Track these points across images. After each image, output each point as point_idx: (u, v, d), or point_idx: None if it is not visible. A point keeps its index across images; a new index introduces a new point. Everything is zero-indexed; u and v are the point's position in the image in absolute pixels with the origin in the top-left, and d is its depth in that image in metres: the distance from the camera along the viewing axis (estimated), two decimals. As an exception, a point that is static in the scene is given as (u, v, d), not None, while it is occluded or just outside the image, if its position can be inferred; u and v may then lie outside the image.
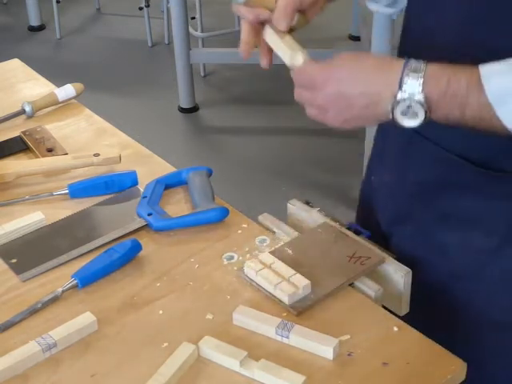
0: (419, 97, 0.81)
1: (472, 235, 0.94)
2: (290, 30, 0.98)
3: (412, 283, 0.96)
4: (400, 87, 0.82)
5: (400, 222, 1.06)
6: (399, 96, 0.82)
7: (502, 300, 0.96)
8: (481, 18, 0.85)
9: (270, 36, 0.98)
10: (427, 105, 0.82)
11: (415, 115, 0.82)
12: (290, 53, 0.94)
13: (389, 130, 1.06)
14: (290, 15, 0.95)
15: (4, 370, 0.84)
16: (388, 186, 1.08)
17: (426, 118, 0.82)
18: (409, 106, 0.82)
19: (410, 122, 0.83)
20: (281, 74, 3.52)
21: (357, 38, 3.73)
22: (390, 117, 0.84)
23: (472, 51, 0.85)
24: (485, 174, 0.91)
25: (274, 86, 3.45)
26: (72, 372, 0.85)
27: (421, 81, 0.81)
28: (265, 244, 1.05)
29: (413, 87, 0.81)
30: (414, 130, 0.94)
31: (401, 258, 0.98)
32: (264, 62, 1.00)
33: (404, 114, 0.83)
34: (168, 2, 3.53)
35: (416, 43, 0.96)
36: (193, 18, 3.51)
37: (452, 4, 0.89)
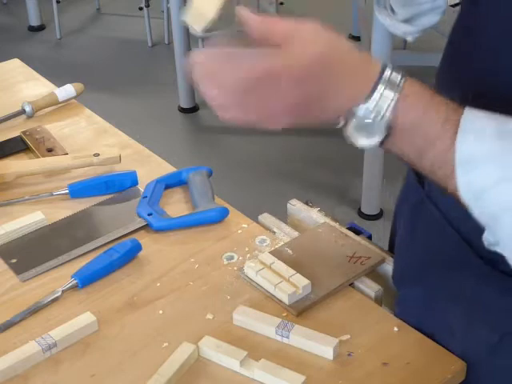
0: (386, 117, 0.68)
1: (476, 322, 0.84)
2: None
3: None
4: (367, 98, 0.68)
5: (408, 284, 0.95)
6: (360, 109, 0.68)
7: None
8: None
9: None
10: (390, 130, 0.68)
11: (371, 135, 0.69)
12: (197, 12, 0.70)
13: (409, 179, 0.95)
14: None
15: (4, 370, 0.84)
16: (400, 240, 0.98)
17: (382, 142, 0.69)
18: (367, 124, 0.68)
19: (363, 141, 0.69)
20: (281, 74, 3.52)
21: (357, 38, 3.73)
22: (339, 125, 0.70)
23: None
24: (488, 273, 0.80)
25: (274, 86, 3.44)
26: (72, 372, 0.85)
27: (395, 98, 0.67)
28: (265, 244, 1.05)
29: (382, 103, 0.68)
30: (425, 193, 0.88)
31: (406, 320, 0.91)
32: None
33: (358, 129, 0.69)
34: (168, 2, 3.53)
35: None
36: (193, 18, 3.51)
37: None
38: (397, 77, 0.68)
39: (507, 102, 0.69)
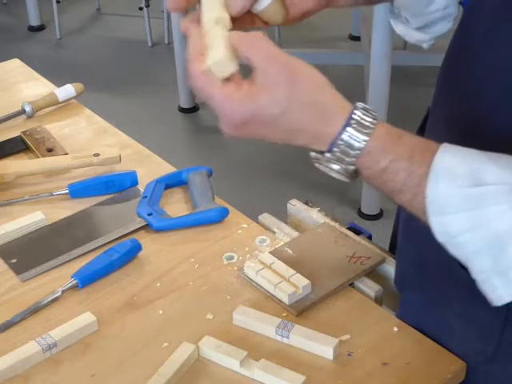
0: (350, 163, 0.70)
1: (470, 333, 0.84)
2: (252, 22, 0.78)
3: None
4: (335, 141, 0.69)
5: (408, 288, 0.95)
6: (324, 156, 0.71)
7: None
8: None
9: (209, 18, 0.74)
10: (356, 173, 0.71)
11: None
12: (223, 55, 0.69)
13: None
14: None
15: (4, 369, 0.84)
16: (399, 242, 0.97)
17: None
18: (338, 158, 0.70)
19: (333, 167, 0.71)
20: (281, 74, 3.52)
21: (357, 38, 3.73)
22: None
23: None
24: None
25: (274, 86, 3.44)
26: (72, 372, 0.85)
27: (361, 146, 0.69)
28: (265, 244, 1.05)
29: (349, 149, 0.69)
30: None
31: (409, 322, 0.91)
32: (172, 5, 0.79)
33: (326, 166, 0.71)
34: (168, 2, 3.53)
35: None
36: (193, 18, 3.51)
37: None
38: (367, 119, 0.69)
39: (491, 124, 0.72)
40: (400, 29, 0.97)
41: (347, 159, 0.69)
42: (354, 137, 0.68)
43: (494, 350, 0.81)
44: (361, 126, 0.69)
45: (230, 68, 0.68)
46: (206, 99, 0.70)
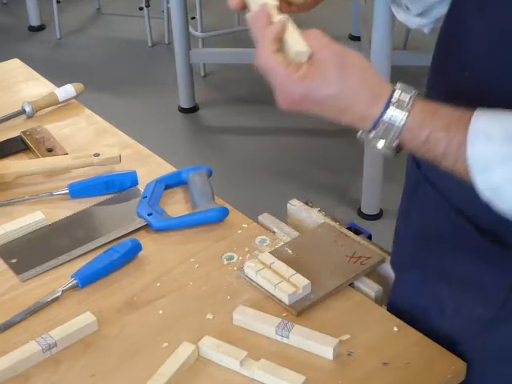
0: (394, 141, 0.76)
1: (468, 299, 0.87)
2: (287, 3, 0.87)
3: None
4: (379, 118, 0.76)
5: (404, 267, 0.98)
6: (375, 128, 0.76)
7: (499, 377, 0.89)
8: None
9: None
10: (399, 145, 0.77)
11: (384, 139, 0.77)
12: (306, 48, 0.79)
13: (408, 162, 0.99)
14: None
15: (4, 369, 0.84)
16: (397, 226, 1.02)
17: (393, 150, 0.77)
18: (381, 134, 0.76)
19: (379, 143, 0.77)
20: (281, 74, 3.51)
21: (357, 38, 3.73)
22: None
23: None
24: (489, 247, 0.83)
25: (274, 86, 3.44)
26: (72, 372, 0.85)
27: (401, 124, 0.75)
28: (265, 244, 1.05)
29: (391, 126, 0.76)
30: (422, 173, 0.90)
31: (401, 304, 0.94)
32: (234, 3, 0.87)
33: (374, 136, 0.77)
34: (168, 2, 3.53)
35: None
36: (193, 18, 3.51)
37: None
38: (404, 99, 0.76)
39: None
40: (401, 16, 1.02)
41: (390, 136, 0.76)
42: (394, 116, 0.75)
43: (496, 312, 0.85)
44: (400, 106, 0.75)
45: (305, 58, 0.79)
46: (270, 77, 0.80)
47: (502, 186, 0.72)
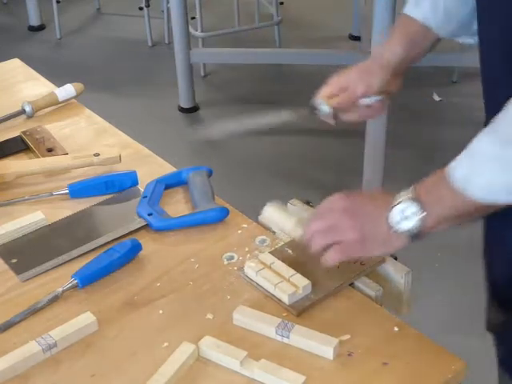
0: (412, 197, 0.85)
1: None
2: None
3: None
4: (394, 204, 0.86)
5: None
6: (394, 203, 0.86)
7: None
8: None
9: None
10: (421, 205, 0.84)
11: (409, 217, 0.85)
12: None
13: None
14: None
15: (4, 369, 0.84)
16: (489, 261, 1.03)
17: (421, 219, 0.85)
18: (402, 210, 0.85)
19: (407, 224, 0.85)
20: (281, 74, 3.51)
21: (357, 38, 3.73)
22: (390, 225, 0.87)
23: None
24: None
25: (274, 86, 3.45)
26: (72, 372, 0.85)
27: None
28: (265, 244, 1.05)
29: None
30: None
31: None
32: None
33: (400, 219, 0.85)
34: (168, 2, 3.53)
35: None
36: (193, 18, 3.51)
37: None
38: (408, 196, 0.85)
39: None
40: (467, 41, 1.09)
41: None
42: (404, 230, 0.85)
43: None
44: (407, 219, 0.84)
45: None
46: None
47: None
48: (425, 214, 0.84)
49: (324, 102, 1.07)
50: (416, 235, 0.85)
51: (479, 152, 0.80)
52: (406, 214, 0.84)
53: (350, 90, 1.07)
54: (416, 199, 0.84)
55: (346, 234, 0.90)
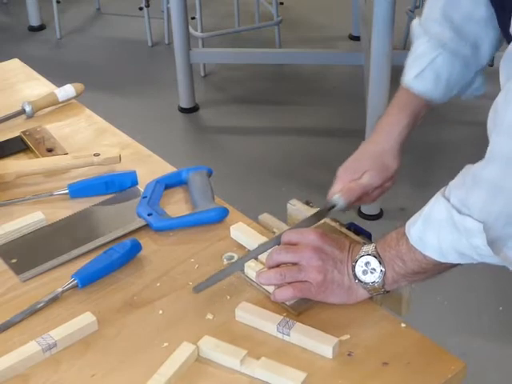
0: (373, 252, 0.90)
1: None
2: None
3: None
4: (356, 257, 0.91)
5: None
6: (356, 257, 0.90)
7: None
8: None
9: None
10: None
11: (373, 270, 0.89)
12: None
13: None
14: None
15: (4, 369, 0.84)
16: None
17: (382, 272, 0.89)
18: (366, 263, 0.89)
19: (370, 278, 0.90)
20: (281, 74, 3.50)
21: (357, 38, 3.73)
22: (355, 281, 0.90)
23: None
24: None
25: (274, 86, 3.45)
26: (72, 372, 0.85)
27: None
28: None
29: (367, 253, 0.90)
30: None
31: None
32: None
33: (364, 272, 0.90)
34: (168, 2, 3.53)
35: None
36: (193, 18, 3.51)
37: None
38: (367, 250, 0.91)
39: None
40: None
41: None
42: (367, 282, 0.90)
43: None
44: (370, 272, 0.89)
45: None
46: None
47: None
48: (384, 269, 0.88)
49: (341, 199, 1.09)
50: (379, 290, 0.89)
51: (431, 214, 0.84)
52: (369, 267, 0.89)
53: (365, 183, 1.11)
54: (377, 254, 0.89)
55: (310, 275, 0.90)
